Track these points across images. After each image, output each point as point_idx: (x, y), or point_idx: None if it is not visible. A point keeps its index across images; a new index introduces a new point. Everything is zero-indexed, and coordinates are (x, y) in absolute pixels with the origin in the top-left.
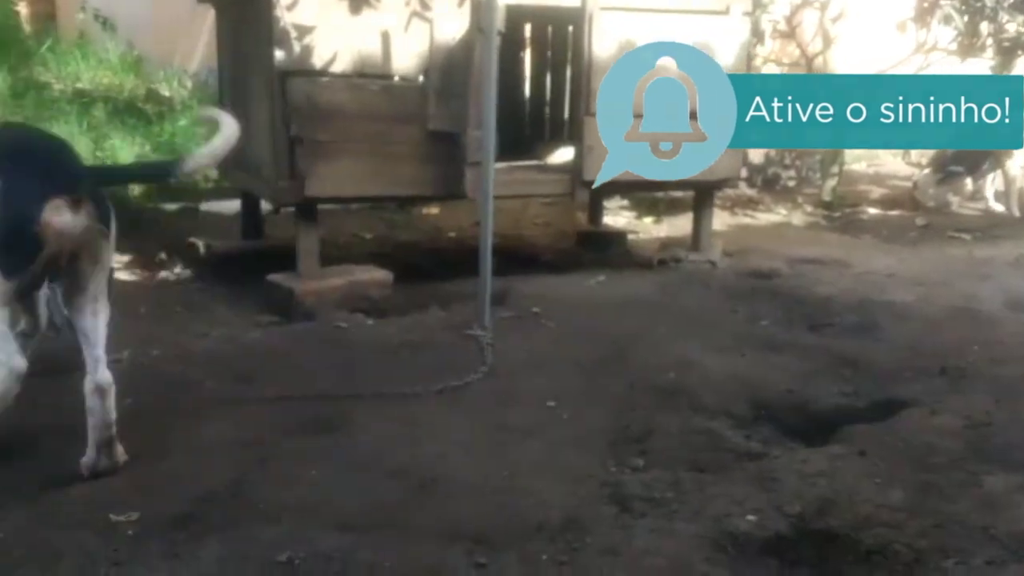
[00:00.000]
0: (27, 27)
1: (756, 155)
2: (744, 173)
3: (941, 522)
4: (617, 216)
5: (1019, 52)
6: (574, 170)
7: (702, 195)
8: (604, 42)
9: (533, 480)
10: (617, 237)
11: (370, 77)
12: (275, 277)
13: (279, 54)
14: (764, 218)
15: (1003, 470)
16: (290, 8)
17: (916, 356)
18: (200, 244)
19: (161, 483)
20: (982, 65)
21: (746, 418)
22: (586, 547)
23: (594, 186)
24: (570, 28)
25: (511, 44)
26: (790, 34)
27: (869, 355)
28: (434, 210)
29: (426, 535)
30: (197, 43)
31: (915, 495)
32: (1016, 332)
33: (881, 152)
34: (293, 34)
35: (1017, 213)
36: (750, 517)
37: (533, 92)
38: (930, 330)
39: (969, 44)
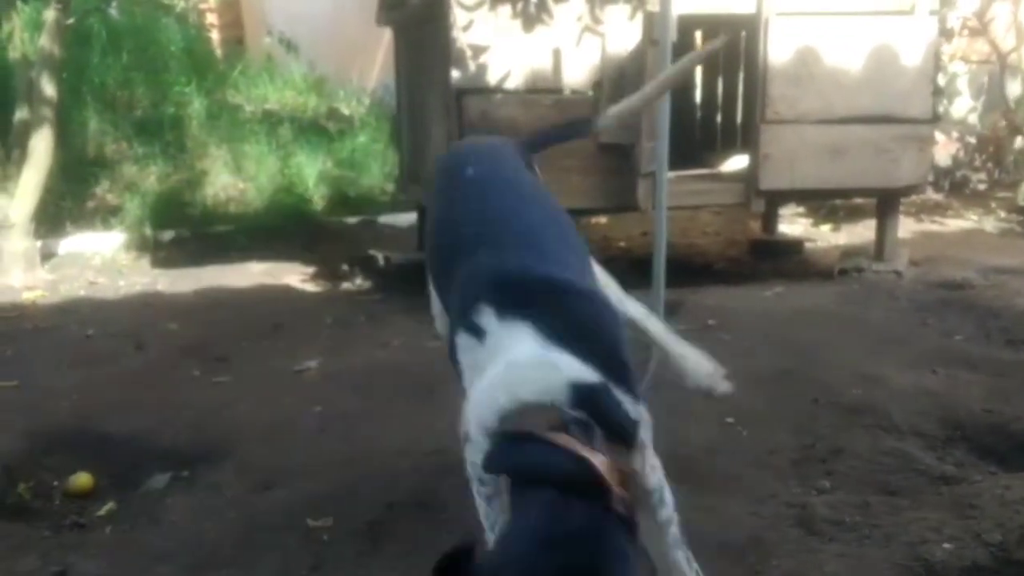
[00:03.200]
0: (219, 52)
1: (943, 157)
2: (930, 177)
3: None
4: (792, 224)
5: None
6: (749, 179)
7: (885, 202)
8: (780, 48)
9: (716, 499)
10: (793, 246)
11: (542, 92)
12: None
13: (455, 73)
14: (953, 224)
15: None
16: (466, 29)
17: None
18: (379, 256)
19: (352, 490)
20: None
21: (939, 439)
22: (770, 569)
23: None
24: (743, 33)
25: (681, 51)
26: (981, 30)
27: None
28: (603, 220)
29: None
30: (374, 62)
31: None
32: None
33: None
34: (469, 53)
35: None
36: (946, 545)
37: (704, 99)
38: None
39: None
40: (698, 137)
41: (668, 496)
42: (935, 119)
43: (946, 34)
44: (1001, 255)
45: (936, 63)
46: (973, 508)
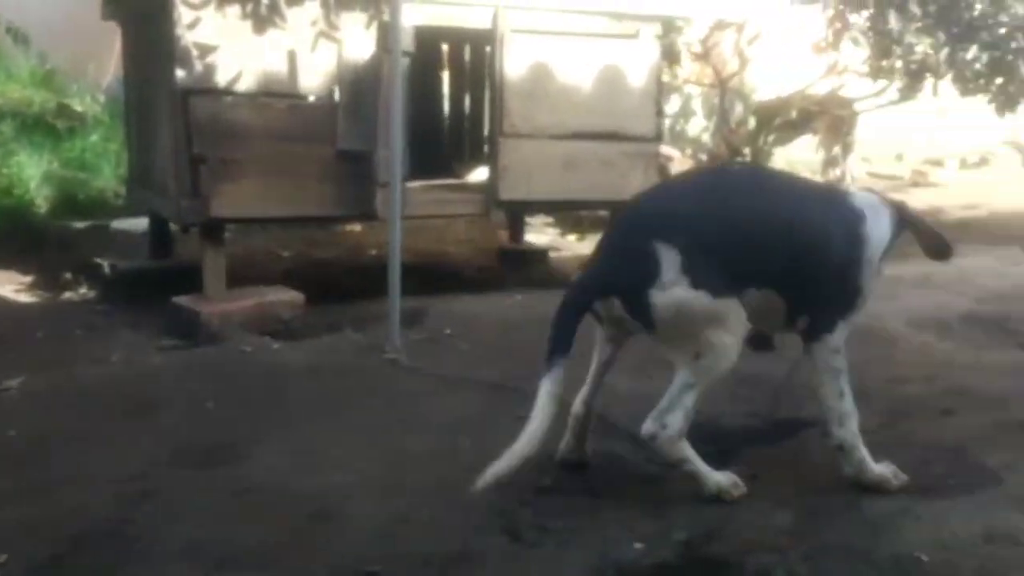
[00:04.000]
0: None
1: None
2: None
3: (824, 547)
4: (541, 233)
5: (926, 75)
6: (489, 189)
7: (617, 214)
8: (516, 64)
9: (428, 510)
10: (538, 255)
11: (277, 96)
12: (180, 299)
13: (180, 72)
14: None
15: (890, 493)
16: (192, 27)
17: None
18: (105, 264)
19: (36, 522)
20: (890, 89)
21: None
22: None
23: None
24: (487, 48)
25: (429, 63)
26: (704, 56)
27: (772, 375)
28: (356, 227)
29: (312, 572)
30: (111, 55)
31: (801, 519)
32: (915, 351)
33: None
34: (195, 52)
35: None
36: (637, 545)
37: (452, 111)
38: None
39: (878, 66)
40: (447, 148)
41: None
42: (659, 137)
43: (673, 58)
44: None
45: (659, 85)
46: (665, 506)
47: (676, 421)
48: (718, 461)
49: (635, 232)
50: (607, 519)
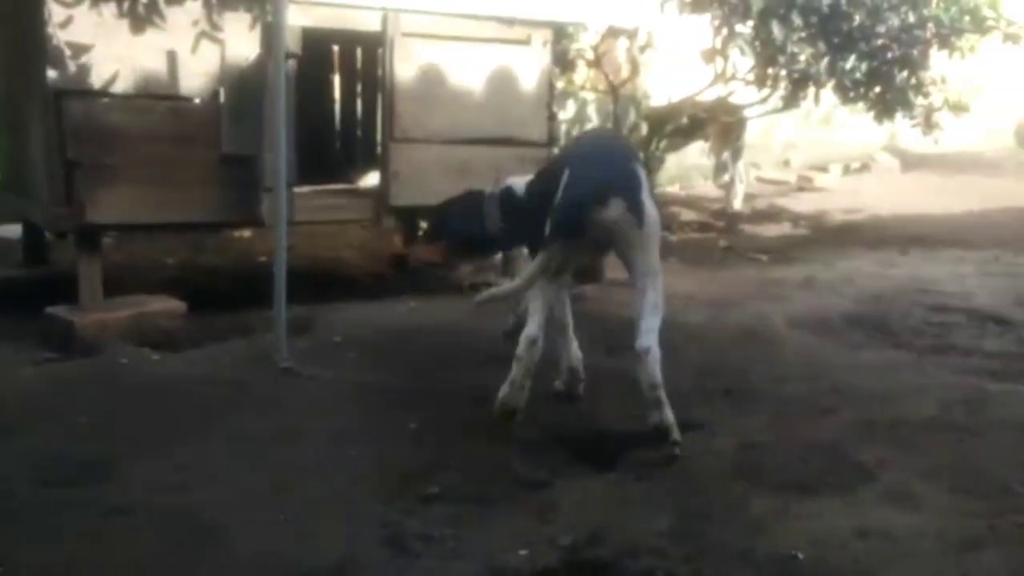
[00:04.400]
0: None
1: None
2: None
3: (704, 547)
4: None
5: (809, 83)
6: (380, 195)
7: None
8: (406, 68)
9: (311, 523)
10: (432, 262)
11: (156, 98)
12: (54, 309)
13: (52, 73)
14: None
15: (770, 492)
16: (64, 25)
17: (705, 377)
18: None
19: None
20: (775, 96)
21: (539, 445)
22: None
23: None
24: (379, 51)
25: (319, 66)
26: (597, 62)
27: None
28: (246, 234)
29: None
30: None
31: (683, 520)
32: (798, 351)
33: (694, 174)
34: (68, 52)
35: None
36: (522, 551)
37: (344, 115)
38: (719, 351)
39: (763, 75)
40: (339, 152)
41: None
42: (552, 142)
43: (568, 64)
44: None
45: (551, 90)
46: (552, 512)
47: (656, 343)
48: (601, 465)
49: (623, 155)
50: (493, 526)
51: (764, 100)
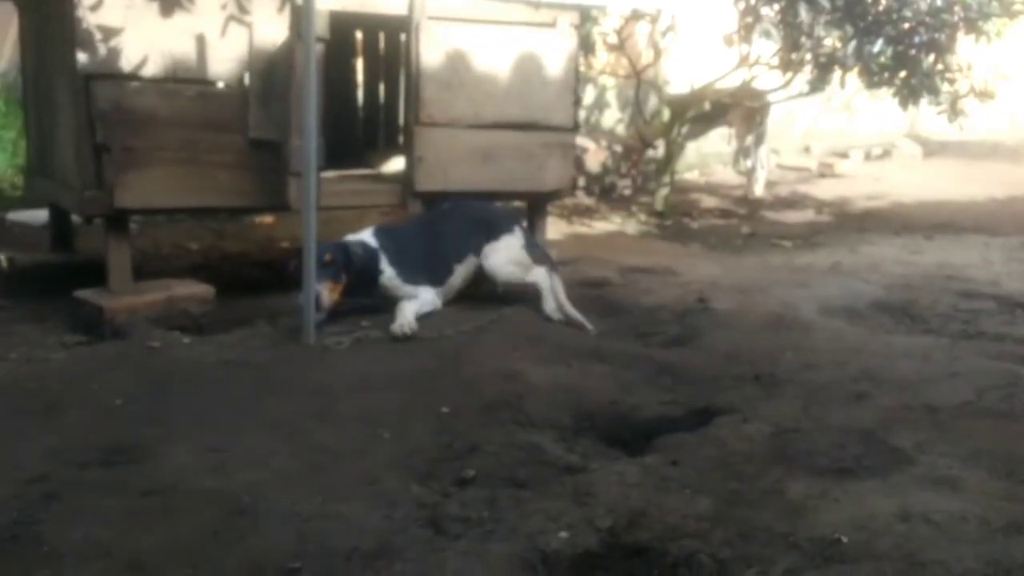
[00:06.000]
0: None
1: (594, 164)
2: (582, 182)
3: (745, 531)
4: None
5: (834, 68)
6: (405, 180)
7: (534, 205)
8: (432, 52)
9: (348, 505)
10: None
11: (185, 82)
12: (83, 293)
13: (82, 57)
14: (600, 227)
15: (806, 475)
16: (94, 9)
17: (733, 363)
18: (3, 257)
19: None
20: (799, 81)
21: (569, 430)
22: (395, 574)
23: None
24: (402, 36)
25: (343, 50)
26: (620, 47)
27: (690, 364)
28: (268, 219)
29: (227, 570)
30: (6, 39)
31: (722, 504)
32: (827, 338)
33: (712, 161)
34: (98, 36)
35: None
36: (563, 534)
37: (367, 100)
38: (747, 337)
39: (788, 59)
40: (361, 137)
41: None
42: (576, 127)
43: (589, 48)
44: (638, 255)
45: (577, 75)
46: (589, 496)
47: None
48: (634, 449)
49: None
50: (531, 509)
51: (786, 85)
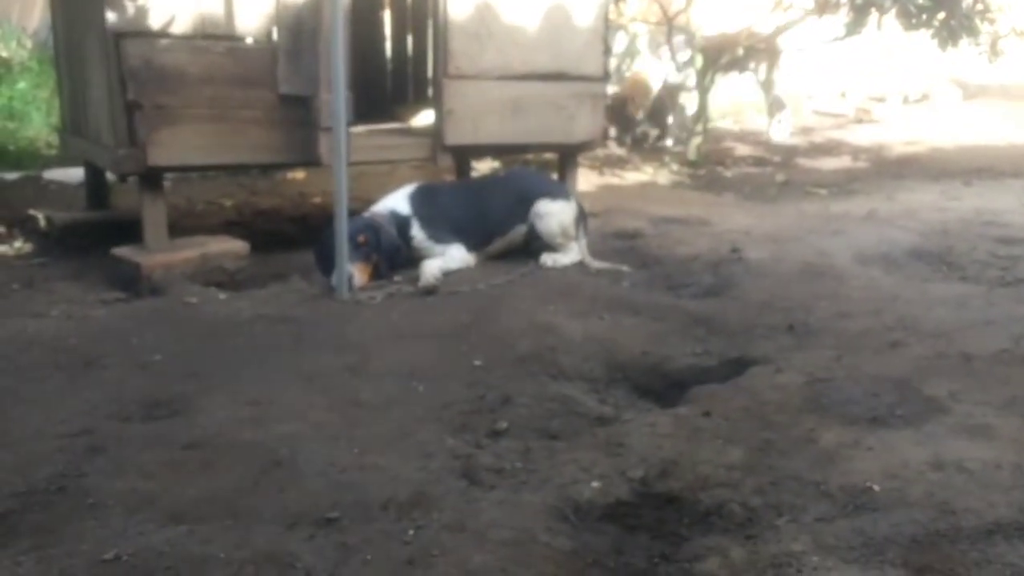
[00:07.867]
0: None
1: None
2: (613, 133)
3: (776, 479)
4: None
5: (871, 10)
6: (435, 134)
7: (565, 157)
8: (460, 2)
9: (384, 457)
10: None
11: (214, 38)
12: (120, 250)
13: (111, 15)
14: (631, 177)
15: (839, 424)
16: None
17: (767, 313)
18: (40, 216)
19: None
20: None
21: (601, 382)
22: (432, 523)
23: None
24: None
25: (370, 3)
26: None
27: (723, 314)
28: (299, 175)
29: (266, 520)
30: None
31: (754, 453)
32: (862, 286)
33: (746, 108)
34: None
35: None
36: (595, 484)
37: (395, 53)
38: (781, 287)
39: (824, 2)
40: (389, 91)
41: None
42: (607, 77)
43: None
44: (670, 206)
45: (606, 23)
46: (621, 446)
47: None
48: (666, 400)
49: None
50: (563, 460)
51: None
